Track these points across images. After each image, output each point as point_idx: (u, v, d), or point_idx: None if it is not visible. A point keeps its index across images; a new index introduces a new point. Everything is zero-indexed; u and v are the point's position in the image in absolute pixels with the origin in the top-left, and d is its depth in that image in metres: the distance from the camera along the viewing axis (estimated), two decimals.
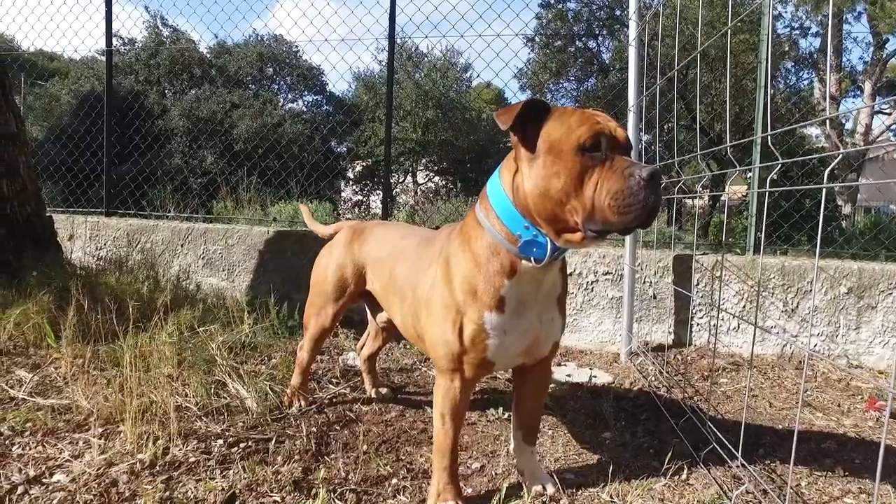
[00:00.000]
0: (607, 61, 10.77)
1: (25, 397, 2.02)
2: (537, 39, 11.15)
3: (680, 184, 2.08)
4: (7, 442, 1.76)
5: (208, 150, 13.66)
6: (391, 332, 2.28)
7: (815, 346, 3.03)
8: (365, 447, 1.89)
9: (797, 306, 3.03)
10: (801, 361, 2.99)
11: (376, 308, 2.14)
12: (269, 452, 1.79)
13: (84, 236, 4.08)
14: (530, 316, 1.37)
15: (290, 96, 19.43)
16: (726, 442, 1.68)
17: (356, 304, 2.12)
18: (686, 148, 10.40)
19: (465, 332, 1.34)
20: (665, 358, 3.01)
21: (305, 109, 19.02)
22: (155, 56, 16.78)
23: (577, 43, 11.63)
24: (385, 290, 1.82)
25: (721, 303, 3.09)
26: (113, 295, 2.56)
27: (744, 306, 3.06)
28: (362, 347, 2.39)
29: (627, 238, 2.95)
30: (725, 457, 1.68)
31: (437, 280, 1.41)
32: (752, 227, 3.14)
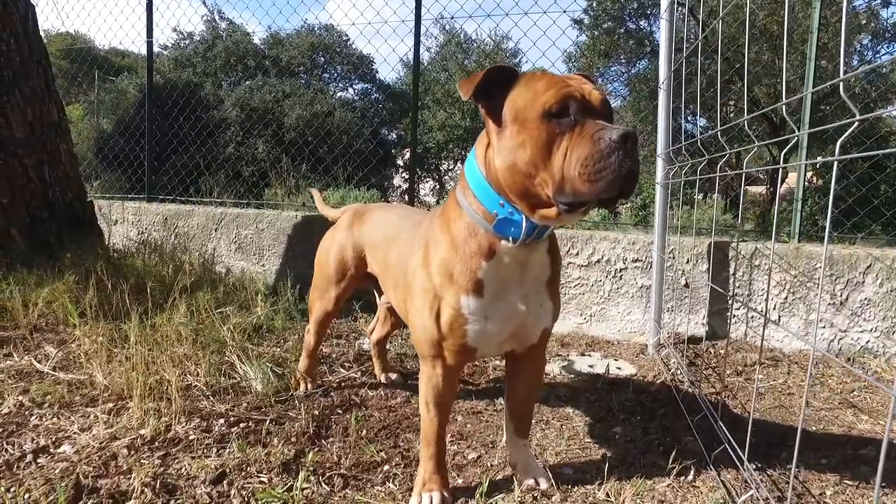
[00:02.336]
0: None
1: (49, 371, 2.12)
2: (586, 21, 10.78)
3: (702, 165, 1.93)
4: (27, 412, 1.85)
5: (260, 139, 14.08)
6: (399, 316, 2.25)
7: (868, 342, 2.78)
8: (364, 431, 1.88)
9: (846, 299, 2.79)
10: (849, 359, 2.76)
11: (382, 291, 2.11)
12: (267, 433, 1.81)
13: (127, 221, 4.27)
14: (514, 300, 1.29)
15: (340, 85, 19.72)
16: (735, 442, 1.55)
17: (361, 286, 2.10)
18: (746, 132, 9.80)
19: (443, 317, 1.29)
20: (697, 351, 2.85)
21: (355, 97, 19.26)
22: (211, 49, 17.39)
23: (629, 23, 11.15)
24: (382, 274, 1.79)
25: (760, 293, 2.88)
26: (137, 277, 2.66)
27: (785, 298, 2.84)
28: (372, 331, 2.38)
29: (657, 223, 2.79)
30: (735, 459, 1.55)
31: (418, 263, 1.36)
32: (798, 211, 2.90)
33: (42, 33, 3.33)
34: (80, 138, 14.56)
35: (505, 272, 1.26)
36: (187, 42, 18.04)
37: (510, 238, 1.21)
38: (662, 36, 2.67)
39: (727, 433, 1.54)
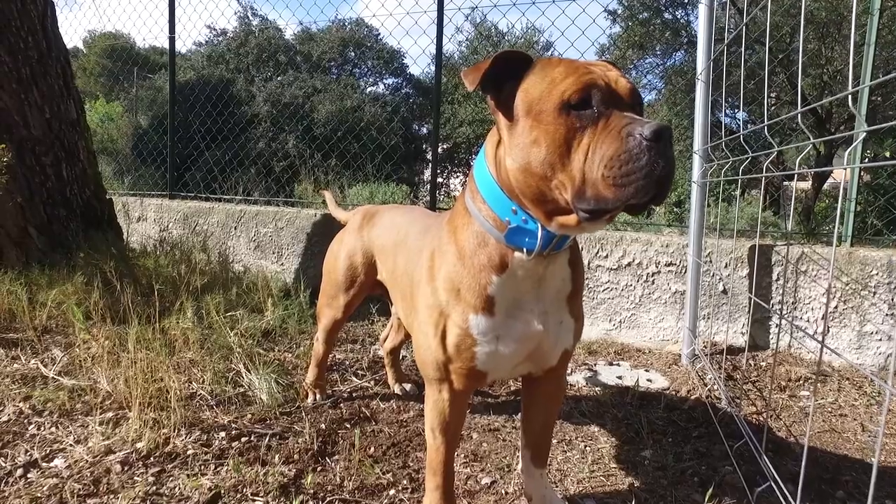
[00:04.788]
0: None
1: (54, 376, 2.06)
2: (620, 11, 10.41)
3: (745, 163, 1.74)
4: (25, 421, 1.79)
5: (291, 134, 14.17)
6: None
7: None
8: (372, 449, 1.76)
9: None
10: None
11: None
12: (268, 449, 1.70)
13: (149, 218, 4.26)
14: (530, 319, 1.14)
15: (370, 80, 19.72)
16: (782, 477, 1.37)
17: (373, 293, 1.98)
18: (788, 125, 9.34)
19: (449, 337, 1.15)
20: (735, 363, 2.64)
21: (386, 92, 19.23)
22: (244, 45, 17.58)
23: (665, 13, 10.74)
24: (390, 282, 1.66)
25: (807, 301, 2.65)
26: (148, 277, 2.60)
27: (835, 306, 2.60)
28: (385, 339, 2.26)
29: (692, 225, 2.59)
30: (782, 498, 1.37)
31: (423, 276, 1.22)
32: (850, 212, 2.66)
33: (87, 33, 3.32)
34: (119, 134, 14.94)
35: (519, 287, 1.11)
36: (220, 39, 18.30)
37: (524, 249, 1.06)
38: (701, 23, 2.46)
39: (773, 469, 1.36)
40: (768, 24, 1.49)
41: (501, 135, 1.03)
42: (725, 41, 1.99)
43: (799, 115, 1.17)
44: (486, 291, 1.10)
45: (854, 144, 1.35)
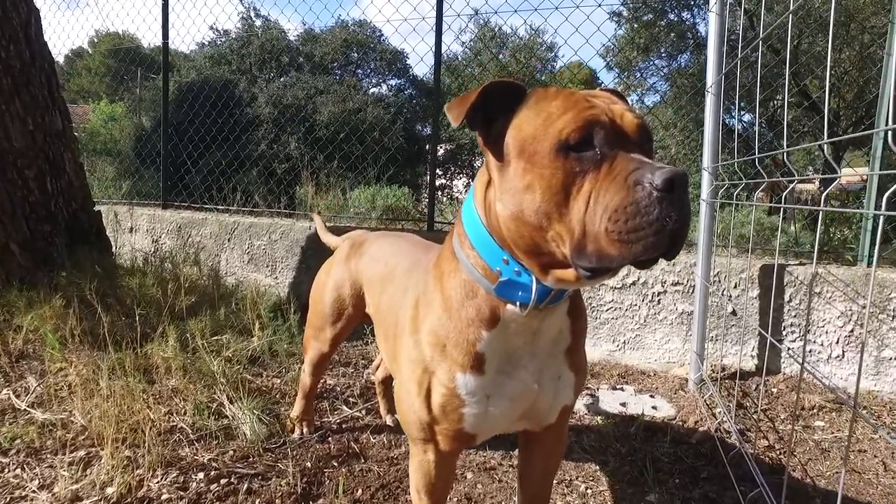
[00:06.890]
0: (703, 34, 9.68)
1: (26, 408, 1.96)
2: (625, 13, 10.26)
3: (751, 170, 1.62)
4: None
5: (292, 136, 14.05)
6: None
7: None
8: (360, 491, 1.65)
9: None
10: None
11: None
12: (248, 493, 1.60)
13: (142, 229, 4.16)
14: (524, 376, 1.03)
15: (373, 80, 19.59)
16: None
17: (363, 323, 1.86)
18: (794, 127, 9.17)
19: (434, 397, 1.03)
20: (745, 388, 2.52)
21: (388, 93, 19.09)
22: (246, 46, 17.48)
23: (671, 15, 10.58)
24: (376, 320, 1.55)
25: (821, 324, 2.53)
26: (132, 298, 2.49)
27: (851, 330, 2.48)
28: (377, 368, 2.15)
29: (701, 244, 2.47)
30: None
31: (405, 324, 1.11)
32: (867, 231, 2.53)
33: (93, 31, 3.20)
34: (122, 136, 14.88)
35: (512, 342, 1.00)
36: (223, 39, 18.20)
37: (517, 303, 0.94)
38: (711, 34, 2.34)
39: None
40: (788, 50, 1.38)
41: (491, 175, 0.92)
42: (739, 55, 1.87)
43: (825, 147, 1.04)
44: (475, 348, 0.99)
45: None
